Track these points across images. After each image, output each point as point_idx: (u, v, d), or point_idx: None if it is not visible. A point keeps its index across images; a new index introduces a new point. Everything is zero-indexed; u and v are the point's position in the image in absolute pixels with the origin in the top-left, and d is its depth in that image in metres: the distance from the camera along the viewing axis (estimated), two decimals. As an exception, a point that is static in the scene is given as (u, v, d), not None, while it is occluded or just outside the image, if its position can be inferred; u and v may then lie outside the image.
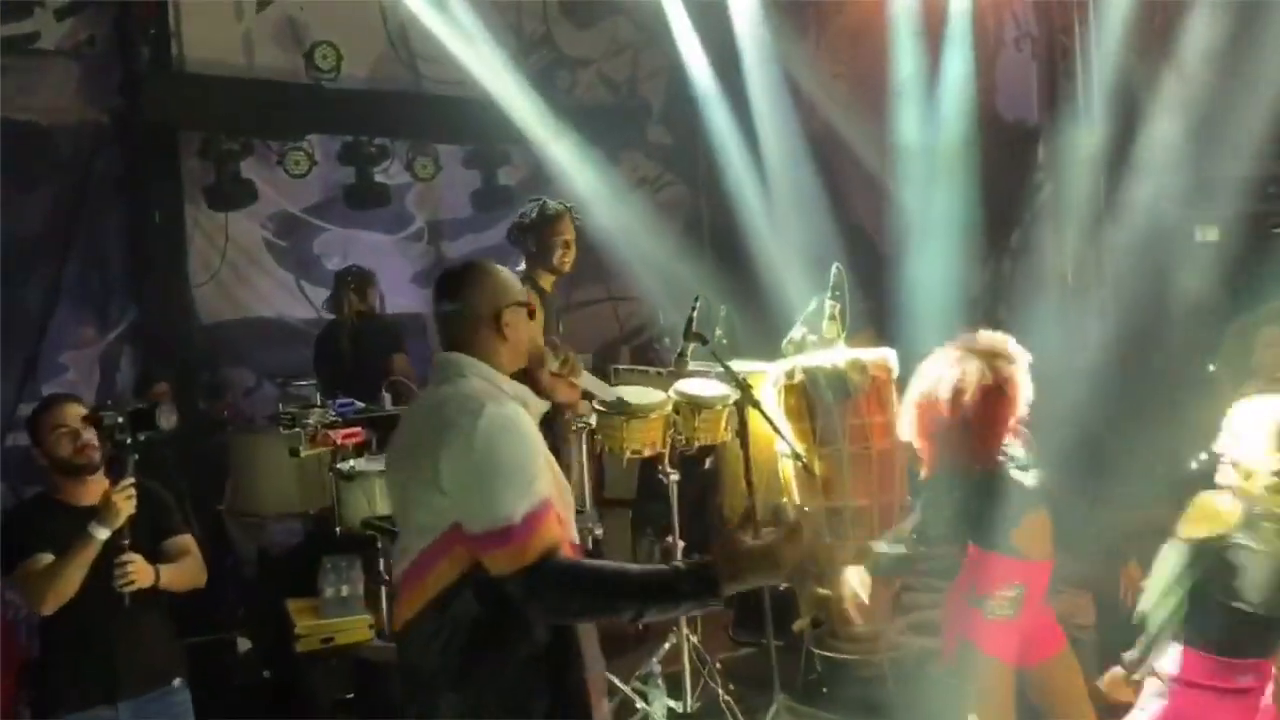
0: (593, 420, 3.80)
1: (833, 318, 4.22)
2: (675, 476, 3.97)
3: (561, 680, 2.09)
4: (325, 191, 6.98)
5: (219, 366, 6.55)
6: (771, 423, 3.87)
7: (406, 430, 2.25)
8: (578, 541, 2.28)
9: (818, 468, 4.04)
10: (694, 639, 4.13)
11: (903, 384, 4.21)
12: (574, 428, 3.94)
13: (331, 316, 6.07)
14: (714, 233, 8.52)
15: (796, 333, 4.51)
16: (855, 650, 4.19)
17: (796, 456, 3.99)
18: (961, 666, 3.09)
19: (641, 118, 8.53)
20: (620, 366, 5.14)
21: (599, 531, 3.57)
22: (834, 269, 4.23)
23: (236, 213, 6.56)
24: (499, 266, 2.34)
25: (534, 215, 4.37)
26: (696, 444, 4.05)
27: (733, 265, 7.24)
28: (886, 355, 4.11)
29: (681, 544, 4.07)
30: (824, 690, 4.24)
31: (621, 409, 3.85)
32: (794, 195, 7.60)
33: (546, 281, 4.41)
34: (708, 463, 4.43)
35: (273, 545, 5.37)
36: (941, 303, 5.39)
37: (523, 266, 4.29)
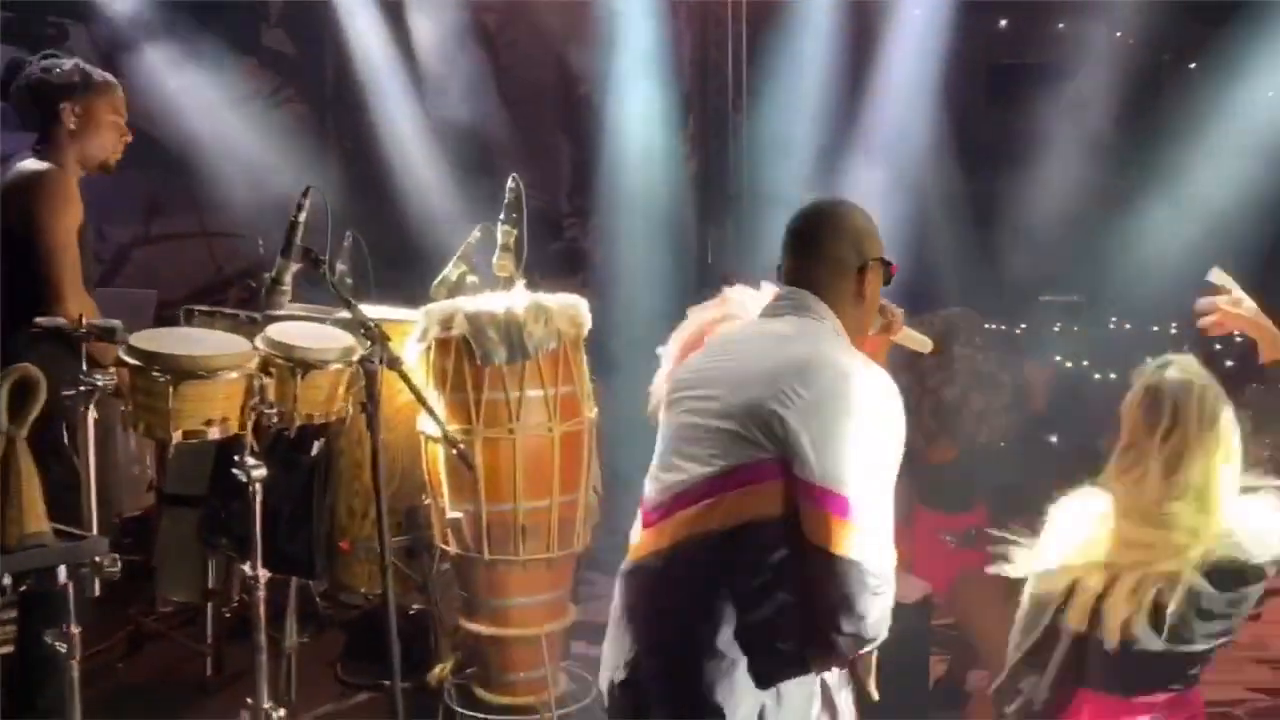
0: (102, 380, 2.25)
1: (506, 248, 3.05)
2: (259, 471, 2.58)
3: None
4: None
5: None
6: (415, 391, 2.63)
7: (742, 353, 2.04)
8: None
9: (479, 456, 2.86)
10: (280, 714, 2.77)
11: (599, 346, 3.19)
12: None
13: None
14: (346, 160, 7.16)
15: (452, 270, 3.29)
16: (513, 705, 3.07)
17: (449, 441, 2.79)
18: None
19: (256, 17, 7.08)
20: (197, 308, 3.63)
21: (114, 567, 2.05)
22: (510, 181, 3.06)
23: None
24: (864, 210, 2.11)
25: (77, 76, 3.09)
26: (297, 421, 2.70)
27: (371, 201, 6.20)
28: (577, 305, 3.00)
29: (264, 573, 2.70)
30: (469, 758, 3.08)
31: (161, 362, 2.40)
32: (452, 119, 6.66)
33: (75, 173, 2.99)
34: (316, 448, 3.08)
35: None
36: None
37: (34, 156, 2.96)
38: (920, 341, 2.42)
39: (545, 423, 2.90)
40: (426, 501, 3.12)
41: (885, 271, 2.10)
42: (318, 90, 7.30)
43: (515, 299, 2.89)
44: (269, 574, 2.70)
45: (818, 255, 2.06)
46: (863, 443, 1.84)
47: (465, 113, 6.42)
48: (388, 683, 3.54)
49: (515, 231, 3.06)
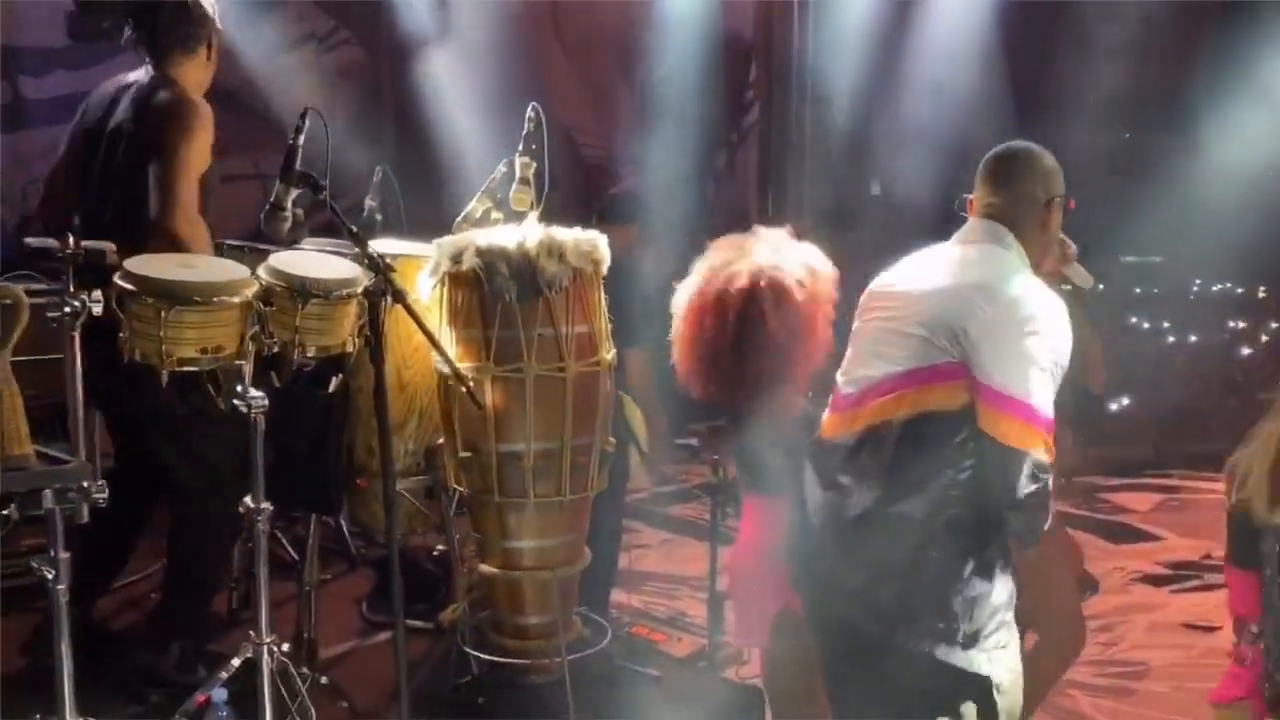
0: (94, 305, 2.21)
1: (525, 180, 2.95)
2: (260, 402, 2.52)
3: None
4: None
5: None
6: (421, 325, 2.56)
7: (931, 272, 2.30)
8: None
9: (490, 395, 2.79)
10: (283, 648, 2.74)
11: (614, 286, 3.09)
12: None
13: None
14: (398, 107, 7.12)
15: (476, 205, 3.21)
16: (524, 649, 3.02)
17: (459, 379, 2.72)
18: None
19: (311, -42, 6.94)
20: (228, 241, 3.60)
21: (101, 493, 2.03)
22: (530, 110, 2.95)
23: None
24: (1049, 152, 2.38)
25: (215, 9, 3.22)
26: (307, 352, 2.65)
27: (420, 147, 6.12)
28: (596, 240, 2.89)
29: (267, 506, 2.66)
30: (480, 701, 3.03)
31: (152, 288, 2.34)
32: (499, 81, 6.63)
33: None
34: (334, 384, 3.04)
35: None
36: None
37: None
38: (1084, 277, 2.69)
39: (558, 362, 2.81)
40: (441, 440, 3.07)
41: (1065, 208, 2.38)
42: (372, 35, 7.27)
43: (529, 233, 2.79)
44: (270, 508, 2.65)
45: (1011, 191, 2.33)
46: (1034, 352, 2.12)
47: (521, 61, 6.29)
48: (411, 622, 3.57)
49: (534, 163, 2.96)
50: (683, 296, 2.69)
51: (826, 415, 2.38)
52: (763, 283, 2.56)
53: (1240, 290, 10.65)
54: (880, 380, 2.24)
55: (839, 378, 2.39)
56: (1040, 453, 2.09)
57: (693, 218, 10.00)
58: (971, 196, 2.40)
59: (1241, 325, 10.43)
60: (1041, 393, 2.11)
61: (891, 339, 2.27)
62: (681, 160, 9.60)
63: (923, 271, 2.34)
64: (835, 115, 9.90)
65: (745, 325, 2.56)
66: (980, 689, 2.15)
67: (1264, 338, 10.77)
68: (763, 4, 10.01)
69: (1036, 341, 2.13)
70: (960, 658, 2.13)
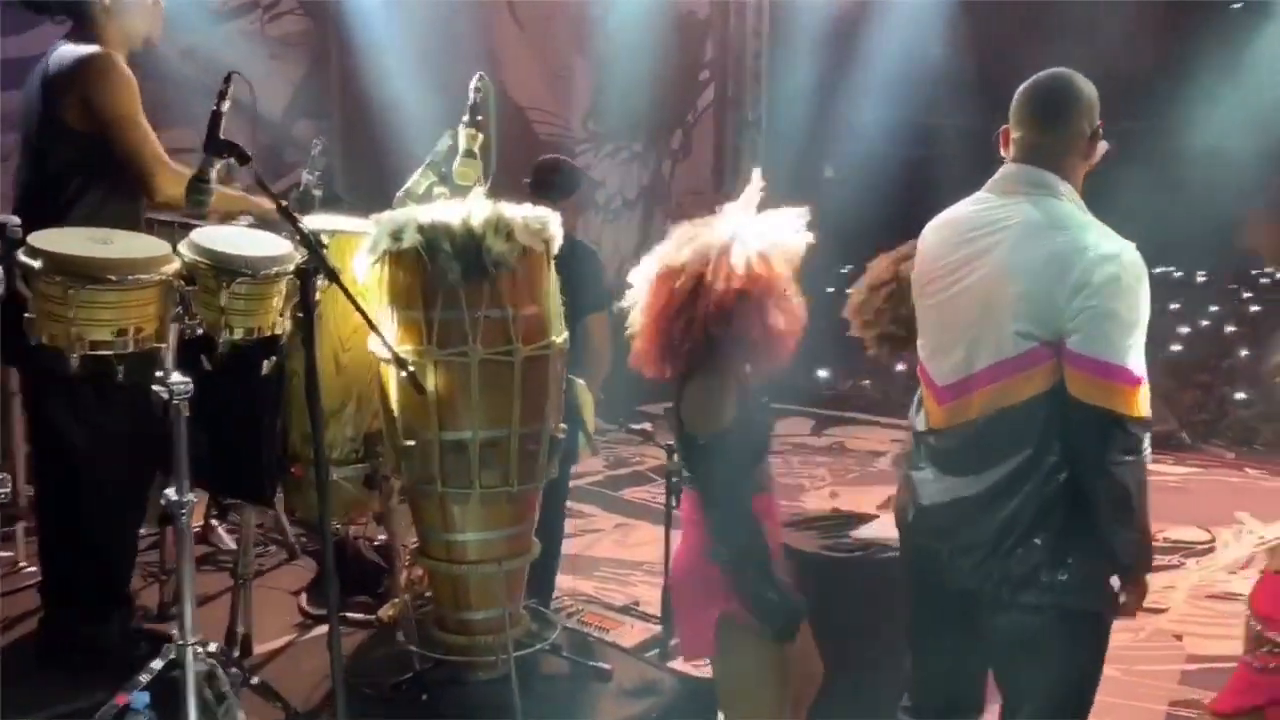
0: None
1: (470, 153, 2.80)
2: (183, 387, 2.35)
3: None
4: None
5: None
6: (358, 306, 2.41)
7: (993, 243, 2.26)
8: None
9: (431, 380, 2.64)
10: (209, 648, 2.58)
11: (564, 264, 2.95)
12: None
13: None
14: (345, 79, 6.91)
15: (419, 180, 3.05)
16: (469, 645, 2.89)
17: (399, 363, 2.57)
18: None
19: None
20: (158, 217, 3.40)
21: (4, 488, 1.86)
22: (475, 80, 2.80)
23: None
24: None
25: None
26: (232, 334, 2.48)
27: (367, 120, 6.09)
28: (547, 218, 2.74)
29: (192, 497, 2.49)
30: (424, 699, 2.90)
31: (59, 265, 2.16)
32: (452, 59, 6.48)
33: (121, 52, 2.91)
34: (266, 366, 2.87)
35: None
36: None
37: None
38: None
39: (506, 345, 2.67)
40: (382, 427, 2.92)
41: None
42: (318, 2, 7.04)
43: (474, 209, 2.64)
44: (194, 501, 2.49)
45: (1062, 129, 2.26)
46: (1128, 315, 2.14)
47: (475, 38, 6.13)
48: (351, 615, 3.42)
49: (480, 136, 2.80)
50: (643, 271, 2.54)
51: (929, 406, 2.43)
52: (711, 263, 2.40)
53: (1179, 274, 10.85)
54: (979, 372, 2.27)
55: (925, 361, 2.43)
56: (1137, 413, 2.14)
57: (650, 196, 9.93)
58: (1008, 129, 2.31)
59: (1177, 307, 10.62)
60: (1137, 356, 2.15)
61: (981, 327, 2.27)
62: (637, 139, 9.50)
63: (978, 243, 2.29)
64: (791, 98, 9.84)
65: (690, 303, 2.41)
66: (1090, 624, 2.29)
67: (1203, 322, 10.98)
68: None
69: (1126, 302, 2.15)
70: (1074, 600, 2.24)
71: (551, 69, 8.60)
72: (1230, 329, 10.31)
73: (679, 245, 2.51)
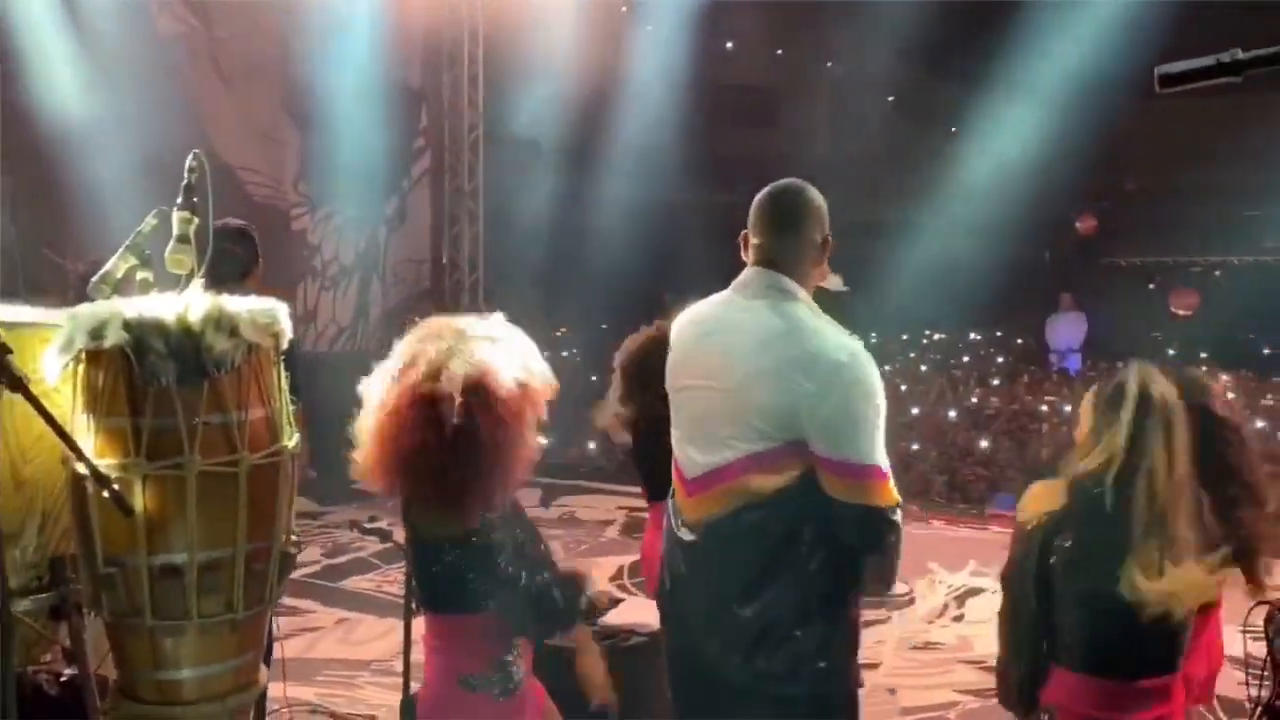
0: None
1: (184, 238, 2.50)
2: None
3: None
4: None
5: None
6: (47, 416, 2.05)
7: (735, 345, 2.37)
8: None
9: (139, 498, 2.30)
10: None
11: (292, 362, 2.72)
12: None
13: None
14: (18, 140, 6.17)
15: (117, 263, 2.69)
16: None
17: (100, 479, 2.21)
18: None
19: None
20: None
21: None
22: (190, 159, 2.51)
23: None
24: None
25: None
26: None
27: (47, 188, 5.60)
28: (273, 310, 2.48)
29: None
30: None
31: None
32: (150, 112, 5.97)
33: None
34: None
35: None
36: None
37: None
38: (837, 283, 2.67)
39: (229, 454, 2.37)
40: (75, 551, 2.51)
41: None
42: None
43: (192, 303, 2.34)
44: None
45: (795, 235, 2.40)
46: (867, 414, 2.26)
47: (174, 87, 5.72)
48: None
49: (196, 219, 2.51)
50: (381, 385, 2.40)
51: (679, 499, 2.48)
52: (480, 387, 2.34)
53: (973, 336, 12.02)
54: (725, 467, 2.33)
55: (675, 451, 2.49)
56: (891, 501, 2.28)
57: (367, 264, 9.58)
58: (748, 234, 2.44)
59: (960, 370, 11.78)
60: (881, 450, 2.28)
61: (727, 424, 2.35)
62: (353, 206, 9.17)
63: (721, 344, 2.40)
64: (508, 166, 9.89)
65: (459, 431, 2.33)
66: (850, 706, 2.41)
67: (995, 380, 12.18)
68: (431, 51, 9.80)
69: (865, 403, 2.26)
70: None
71: (260, 129, 8.13)
72: (904, 387, 11.34)
73: (412, 361, 2.41)
